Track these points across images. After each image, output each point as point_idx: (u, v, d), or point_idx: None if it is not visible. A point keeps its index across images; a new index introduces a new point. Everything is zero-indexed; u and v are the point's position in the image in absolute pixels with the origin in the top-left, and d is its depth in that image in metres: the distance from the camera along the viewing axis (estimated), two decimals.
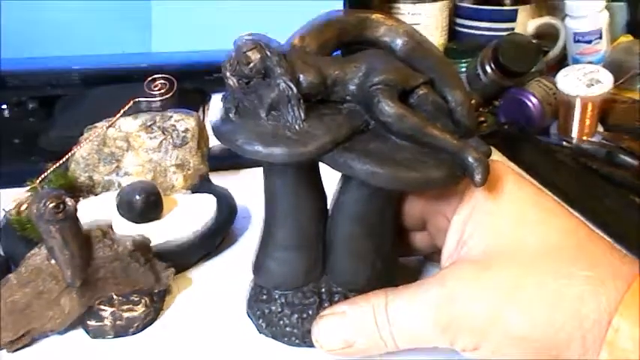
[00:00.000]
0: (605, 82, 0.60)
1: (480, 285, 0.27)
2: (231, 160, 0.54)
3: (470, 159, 0.27)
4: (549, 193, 0.31)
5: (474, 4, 0.84)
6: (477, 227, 0.29)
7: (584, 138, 0.62)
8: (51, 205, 0.31)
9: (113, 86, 0.65)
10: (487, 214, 0.29)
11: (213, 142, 0.43)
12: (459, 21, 0.85)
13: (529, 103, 0.65)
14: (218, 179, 0.49)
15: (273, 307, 0.33)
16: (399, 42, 0.32)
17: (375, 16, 0.33)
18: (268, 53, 0.28)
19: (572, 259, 0.26)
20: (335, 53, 0.32)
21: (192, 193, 0.47)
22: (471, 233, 0.29)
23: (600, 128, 0.64)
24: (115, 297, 0.35)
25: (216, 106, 0.72)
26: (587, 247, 0.27)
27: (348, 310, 0.30)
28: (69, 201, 0.31)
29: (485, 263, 0.28)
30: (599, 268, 0.26)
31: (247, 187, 0.48)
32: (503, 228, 0.28)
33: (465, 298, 0.27)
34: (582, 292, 0.25)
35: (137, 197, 0.41)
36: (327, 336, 0.31)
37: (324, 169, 0.30)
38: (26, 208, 0.39)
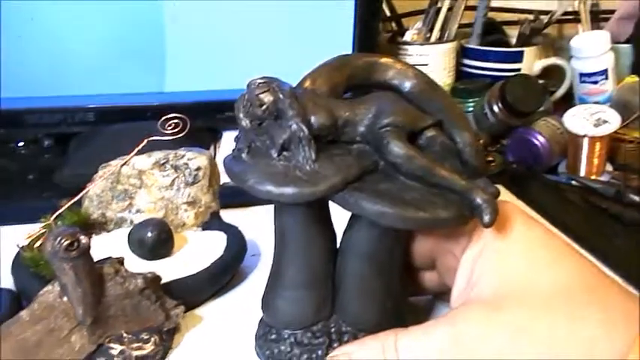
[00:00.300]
0: (613, 121, 0.61)
1: (491, 326, 0.27)
2: (242, 198, 0.54)
3: (478, 200, 0.28)
4: (559, 233, 0.31)
5: (481, 45, 0.86)
6: (487, 267, 0.29)
7: (593, 177, 0.62)
8: (65, 243, 0.31)
9: (127, 124, 0.67)
10: (497, 253, 0.29)
11: (225, 180, 0.44)
12: (466, 62, 0.86)
13: (536, 142, 0.65)
14: (229, 216, 0.49)
15: (283, 347, 0.33)
16: (407, 84, 0.33)
17: (384, 59, 0.34)
18: (281, 95, 0.29)
19: (583, 301, 0.26)
20: (345, 95, 0.33)
21: (203, 230, 0.47)
22: (480, 273, 0.29)
23: (609, 167, 0.64)
24: (124, 335, 0.35)
25: (227, 144, 0.73)
26: (599, 288, 0.27)
27: (357, 351, 0.30)
28: (83, 238, 0.32)
29: (495, 304, 0.28)
30: (611, 310, 0.26)
31: (257, 225, 0.48)
32: (513, 269, 0.28)
33: (475, 339, 0.27)
34: (595, 335, 0.25)
35: (148, 234, 0.42)
36: None
37: (334, 208, 0.31)
38: (40, 245, 0.40)
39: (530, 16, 0.86)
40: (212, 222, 0.48)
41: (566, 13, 0.85)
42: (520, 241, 0.29)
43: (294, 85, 0.31)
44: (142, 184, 0.47)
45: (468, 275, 0.30)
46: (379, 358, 0.29)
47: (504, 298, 0.27)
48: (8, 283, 0.42)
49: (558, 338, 0.25)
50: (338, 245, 0.34)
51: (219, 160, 0.43)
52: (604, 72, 0.74)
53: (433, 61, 0.80)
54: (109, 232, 0.46)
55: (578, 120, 0.62)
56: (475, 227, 0.30)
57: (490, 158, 0.66)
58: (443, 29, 0.82)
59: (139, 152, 0.47)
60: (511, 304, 0.27)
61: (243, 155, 0.29)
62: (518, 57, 0.83)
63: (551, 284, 0.27)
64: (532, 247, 0.29)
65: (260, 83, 0.29)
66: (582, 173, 0.63)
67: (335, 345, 0.33)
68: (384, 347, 0.29)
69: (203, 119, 0.70)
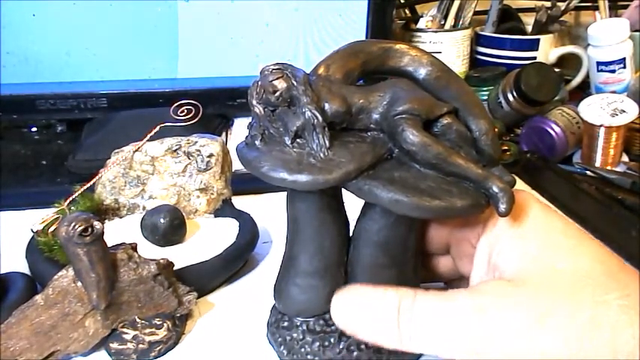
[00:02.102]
0: (630, 111, 0.60)
1: (512, 302, 0.26)
2: (254, 184, 0.54)
3: (494, 188, 0.28)
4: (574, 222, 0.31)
5: (496, 33, 0.85)
6: (506, 252, 0.29)
7: (609, 168, 0.61)
8: (79, 228, 0.31)
9: (139, 110, 0.67)
10: (515, 239, 0.29)
11: (237, 167, 0.44)
12: (481, 49, 0.85)
13: (551, 132, 0.64)
14: (241, 203, 0.49)
15: (295, 334, 0.33)
16: (422, 71, 0.32)
17: (399, 45, 0.33)
18: (294, 82, 0.28)
19: (605, 287, 0.26)
20: (358, 82, 0.33)
21: (215, 217, 0.47)
22: (498, 255, 0.29)
23: (625, 158, 0.63)
24: (137, 320, 0.35)
25: (238, 131, 0.73)
26: (619, 275, 0.27)
27: (374, 293, 0.29)
28: (97, 224, 0.32)
29: (517, 282, 0.27)
30: (633, 297, 0.25)
31: (269, 212, 0.48)
32: (533, 253, 0.28)
33: (495, 313, 0.26)
34: (617, 321, 0.25)
35: (161, 220, 0.42)
36: (343, 309, 0.30)
37: (346, 196, 0.31)
38: (54, 230, 0.40)
39: (547, 4, 0.84)
40: (224, 209, 0.48)
41: (583, 0, 0.84)
42: (539, 227, 0.29)
43: (307, 71, 0.30)
44: (154, 171, 0.47)
45: (486, 260, 0.30)
46: (393, 311, 0.28)
47: (525, 279, 0.27)
48: (23, 267, 0.42)
49: (582, 323, 0.25)
50: (351, 233, 0.33)
51: (231, 147, 0.43)
52: (622, 60, 0.73)
53: (447, 48, 0.79)
54: (121, 217, 0.47)
55: (594, 109, 0.61)
56: (491, 214, 0.30)
57: (505, 147, 0.65)
58: (457, 16, 0.81)
59: (152, 138, 0.47)
60: (532, 284, 0.27)
61: (257, 142, 0.29)
62: (533, 45, 0.82)
63: (572, 269, 0.27)
64: (551, 234, 0.28)
65: (273, 69, 0.29)
66: (597, 164, 0.62)
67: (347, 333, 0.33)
68: (400, 301, 0.28)
69: (215, 106, 0.70)
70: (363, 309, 0.29)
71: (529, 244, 0.28)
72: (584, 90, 0.81)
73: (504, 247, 0.29)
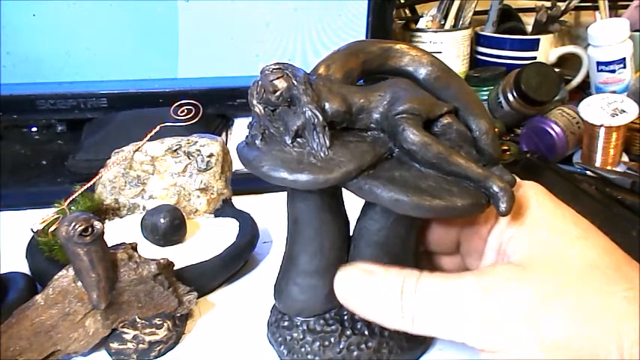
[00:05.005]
0: (630, 111, 0.60)
1: (519, 284, 0.27)
2: (254, 184, 0.54)
3: (495, 188, 0.28)
4: None
5: (496, 33, 0.85)
6: (516, 236, 0.29)
7: (609, 168, 0.61)
8: (80, 228, 0.31)
9: (139, 110, 0.67)
10: (527, 225, 0.29)
11: (237, 167, 0.44)
12: (481, 49, 0.85)
13: (552, 132, 0.64)
14: (241, 203, 0.49)
15: (295, 334, 0.33)
16: (422, 71, 0.32)
17: (399, 45, 0.33)
18: (294, 82, 0.28)
19: (611, 278, 0.26)
20: (358, 82, 0.33)
21: (216, 217, 0.47)
22: (509, 241, 0.29)
23: (625, 158, 0.63)
24: (138, 320, 0.35)
25: (238, 130, 0.73)
26: (625, 268, 0.27)
27: (379, 272, 0.29)
28: (97, 224, 0.32)
29: (525, 266, 0.27)
30: (637, 290, 0.26)
31: (270, 212, 0.48)
32: (543, 238, 0.28)
33: (501, 294, 0.26)
34: (622, 312, 0.25)
35: (161, 220, 0.42)
36: (346, 286, 0.30)
37: (346, 196, 0.31)
38: (54, 230, 0.40)
39: (547, 3, 0.84)
40: (224, 208, 0.48)
41: (583, 0, 0.84)
42: (549, 216, 0.29)
43: (308, 71, 0.30)
44: (154, 171, 0.47)
45: (496, 250, 0.30)
46: (396, 290, 0.28)
47: (533, 263, 0.27)
48: (23, 267, 0.42)
49: (587, 310, 0.25)
50: (351, 233, 0.33)
51: (231, 147, 0.43)
52: (622, 60, 0.73)
53: (447, 48, 0.79)
54: (121, 217, 0.47)
55: (594, 109, 0.61)
56: None
57: (505, 147, 0.65)
58: (457, 16, 0.81)
59: (152, 138, 0.47)
60: (540, 268, 0.27)
61: (257, 142, 0.29)
62: (534, 45, 0.82)
63: (580, 257, 0.27)
64: (562, 222, 0.29)
65: (274, 69, 0.29)
66: (597, 164, 0.62)
67: (348, 332, 0.33)
68: (404, 281, 0.28)
69: (215, 106, 0.70)
70: (365, 287, 0.29)
71: (540, 230, 0.28)
72: (584, 90, 0.81)
73: (515, 235, 0.29)
